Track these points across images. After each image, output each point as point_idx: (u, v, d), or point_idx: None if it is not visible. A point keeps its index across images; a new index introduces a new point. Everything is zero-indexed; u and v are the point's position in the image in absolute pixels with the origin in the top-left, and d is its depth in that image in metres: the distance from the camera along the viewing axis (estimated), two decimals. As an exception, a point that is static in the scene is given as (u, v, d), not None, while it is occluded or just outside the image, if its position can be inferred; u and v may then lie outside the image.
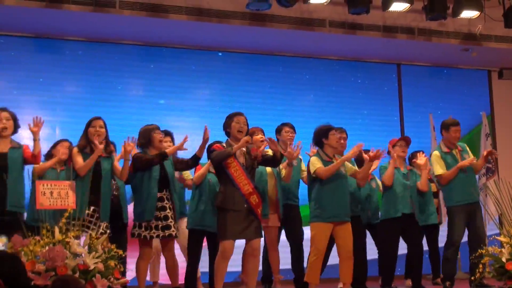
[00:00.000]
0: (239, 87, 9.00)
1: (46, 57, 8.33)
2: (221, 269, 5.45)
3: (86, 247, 4.53)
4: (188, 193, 6.68)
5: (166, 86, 8.73)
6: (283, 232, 6.63)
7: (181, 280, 6.23)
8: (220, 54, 9.02)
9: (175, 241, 6.03)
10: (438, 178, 6.69)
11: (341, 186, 5.96)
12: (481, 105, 10.06)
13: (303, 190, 6.57)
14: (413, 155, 7.29)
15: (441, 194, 7.60)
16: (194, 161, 5.96)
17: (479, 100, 10.12)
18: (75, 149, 5.73)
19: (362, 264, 6.52)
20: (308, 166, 6.06)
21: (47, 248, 4.32)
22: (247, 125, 5.65)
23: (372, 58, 9.62)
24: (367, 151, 6.15)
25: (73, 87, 8.43)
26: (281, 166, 6.27)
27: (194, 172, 6.35)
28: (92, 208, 5.57)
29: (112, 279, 4.44)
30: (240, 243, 5.56)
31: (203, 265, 6.56)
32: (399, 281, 7.13)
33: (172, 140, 6.56)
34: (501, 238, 5.64)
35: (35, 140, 5.76)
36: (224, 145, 5.56)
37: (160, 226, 5.70)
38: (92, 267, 4.35)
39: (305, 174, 6.46)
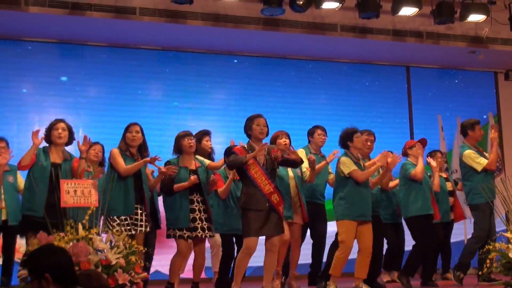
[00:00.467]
0: (253, 90, 9.01)
1: (70, 62, 8.39)
2: (243, 264, 5.48)
3: (108, 243, 4.55)
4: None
5: (184, 89, 8.75)
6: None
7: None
8: (235, 60, 9.03)
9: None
10: (487, 167, 6.64)
11: (367, 187, 6.05)
12: (488, 105, 10.01)
13: (329, 189, 6.64)
14: (432, 155, 7.33)
15: (458, 193, 7.57)
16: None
17: (486, 101, 10.06)
18: (116, 150, 5.74)
19: (377, 261, 6.52)
20: (337, 166, 6.07)
21: (71, 244, 4.33)
22: (267, 126, 5.66)
23: (382, 61, 9.60)
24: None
25: (95, 90, 8.48)
26: (304, 168, 6.32)
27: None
28: (139, 207, 5.67)
29: (133, 273, 4.45)
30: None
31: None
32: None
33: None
34: (508, 235, 5.59)
35: (81, 158, 5.71)
36: (246, 147, 5.58)
37: (190, 227, 5.77)
38: (114, 262, 4.37)
39: (331, 176, 6.55)
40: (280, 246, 5.83)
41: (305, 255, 6.66)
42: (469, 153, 6.68)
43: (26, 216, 5.66)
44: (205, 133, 6.50)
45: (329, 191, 6.51)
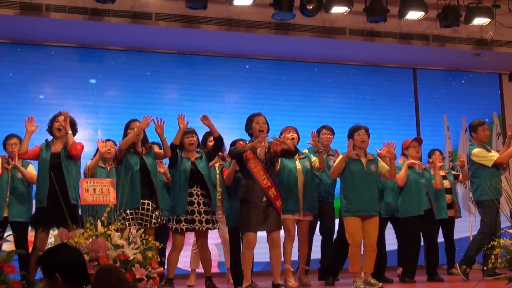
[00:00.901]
0: (265, 91, 9.00)
1: (89, 65, 8.43)
2: (247, 258, 5.51)
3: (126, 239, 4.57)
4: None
5: (198, 91, 8.77)
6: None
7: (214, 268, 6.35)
8: (248, 63, 9.03)
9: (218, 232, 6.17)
10: (498, 161, 6.62)
11: (369, 182, 5.99)
12: (493, 106, 9.96)
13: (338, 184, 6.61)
14: (431, 154, 7.30)
15: (458, 190, 7.53)
16: (172, 149, 5.92)
17: (491, 102, 10.00)
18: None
19: (382, 256, 6.51)
20: None
21: (90, 240, 4.36)
22: (267, 123, 5.68)
23: (389, 63, 9.56)
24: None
25: (113, 92, 8.53)
26: (313, 158, 6.32)
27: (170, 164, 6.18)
28: (146, 202, 5.68)
29: (149, 268, 4.47)
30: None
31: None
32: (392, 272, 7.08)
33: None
34: (512, 231, 5.58)
35: (67, 133, 5.82)
36: (247, 143, 5.60)
37: (188, 219, 5.77)
38: (131, 257, 4.39)
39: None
40: (286, 243, 5.91)
41: (318, 251, 6.69)
42: (478, 151, 6.68)
43: (36, 209, 5.76)
44: (210, 134, 6.50)
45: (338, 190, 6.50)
